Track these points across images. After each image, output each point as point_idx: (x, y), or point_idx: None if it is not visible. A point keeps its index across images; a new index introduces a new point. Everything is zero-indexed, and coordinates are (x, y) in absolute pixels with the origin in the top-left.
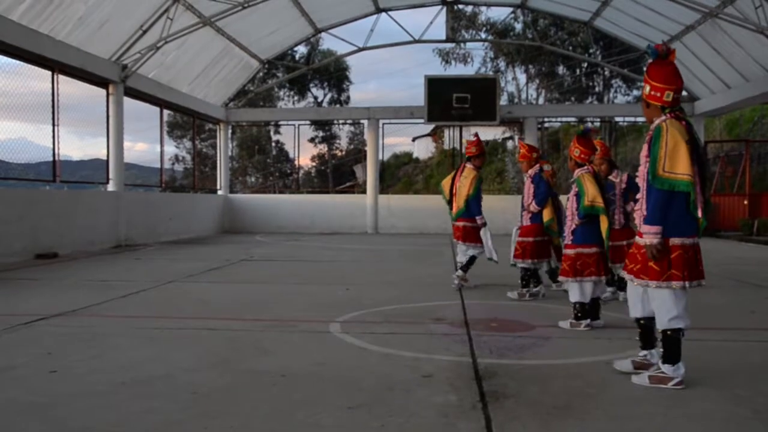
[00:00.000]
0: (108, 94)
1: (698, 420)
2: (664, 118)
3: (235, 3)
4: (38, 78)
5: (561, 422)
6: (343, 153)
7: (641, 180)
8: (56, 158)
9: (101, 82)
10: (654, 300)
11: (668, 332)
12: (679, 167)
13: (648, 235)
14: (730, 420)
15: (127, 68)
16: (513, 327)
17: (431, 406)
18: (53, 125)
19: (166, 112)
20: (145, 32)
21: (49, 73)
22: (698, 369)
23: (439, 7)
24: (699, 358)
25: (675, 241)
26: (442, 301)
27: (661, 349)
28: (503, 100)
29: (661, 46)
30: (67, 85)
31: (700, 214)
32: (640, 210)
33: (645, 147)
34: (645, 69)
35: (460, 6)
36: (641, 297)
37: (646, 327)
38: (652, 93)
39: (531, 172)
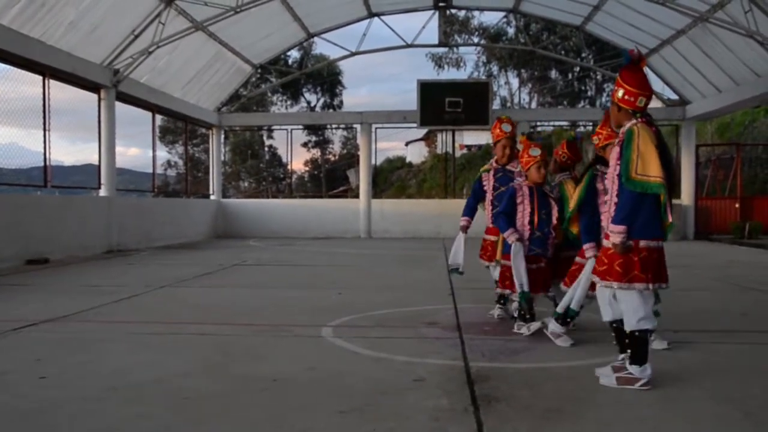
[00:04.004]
0: (99, 99)
1: (689, 422)
2: (635, 122)
3: (227, 8)
4: (29, 83)
5: (553, 426)
6: (336, 157)
7: (610, 182)
8: (47, 163)
9: (93, 87)
10: (622, 302)
11: (636, 333)
12: (651, 170)
13: (614, 234)
14: (721, 422)
15: (119, 73)
16: (506, 330)
17: (423, 410)
18: (44, 130)
19: (158, 117)
20: (137, 37)
21: (40, 77)
22: (690, 371)
23: (432, 11)
24: (691, 360)
25: (641, 243)
26: (434, 305)
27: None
28: (496, 105)
29: (634, 51)
30: (59, 89)
31: (670, 218)
32: (608, 212)
33: (616, 150)
34: (618, 74)
35: (453, 10)
36: (610, 300)
37: (619, 330)
38: (626, 97)
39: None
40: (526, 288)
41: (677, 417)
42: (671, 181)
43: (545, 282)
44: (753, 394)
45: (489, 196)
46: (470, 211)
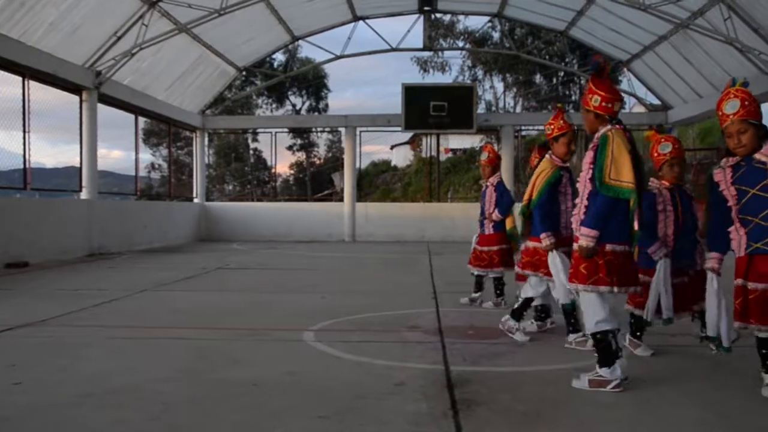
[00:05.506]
0: (81, 101)
1: (667, 425)
2: (609, 127)
3: (211, 10)
4: (8, 83)
5: (532, 429)
6: (321, 161)
7: (581, 185)
8: (27, 165)
9: (74, 89)
10: (582, 303)
11: (597, 335)
12: (624, 175)
13: (585, 238)
14: (700, 425)
15: (101, 75)
16: (488, 334)
17: (402, 415)
18: (24, 132)
19: (141, 119)
20: (119, 38)
21: (20, 78)
22: (670, 374)
23: (417, 15)
24: (670, 364)
25: (607, 246)
26: (417, 309)
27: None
28: (480, 109)
29: (599, 56)
30: (39, 91)
31: (636, 225)
32: (578, 214)
33: (590, 154)
34: (589, 82)
35: (438, 15)
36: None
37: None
38: (603, 104)
39: (493, 179)
40: (670, 314)
41: (656, 420)
42: (641, 186)
43: (691, 298)
44: (732, 397)
45: (568, 199)
46: (553, 220)
